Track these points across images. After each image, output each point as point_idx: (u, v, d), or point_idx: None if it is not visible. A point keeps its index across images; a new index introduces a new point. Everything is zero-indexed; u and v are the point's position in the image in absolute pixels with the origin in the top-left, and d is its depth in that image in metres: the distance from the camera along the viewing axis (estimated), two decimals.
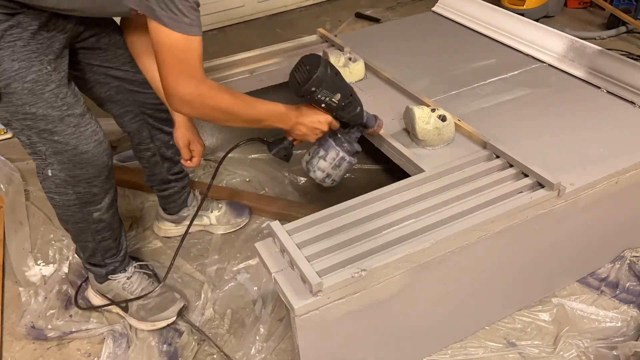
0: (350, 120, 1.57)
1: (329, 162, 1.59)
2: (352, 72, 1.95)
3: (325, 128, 1.52)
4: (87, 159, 1.39)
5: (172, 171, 1.83)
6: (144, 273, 1.71)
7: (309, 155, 1.63)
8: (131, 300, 1.65)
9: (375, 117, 1.65)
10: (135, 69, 1.57)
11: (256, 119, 1.44)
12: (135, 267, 1.69)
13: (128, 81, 1.58)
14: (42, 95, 1.30)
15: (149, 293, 1.65)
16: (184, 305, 1.67)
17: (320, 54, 2.10)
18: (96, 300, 1.71)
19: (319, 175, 1.61)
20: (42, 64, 1.29)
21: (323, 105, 1.48)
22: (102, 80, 1.56)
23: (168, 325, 1.64)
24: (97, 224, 1.52)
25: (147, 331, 1.64)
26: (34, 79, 1.28)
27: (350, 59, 1.87)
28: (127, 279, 1.66)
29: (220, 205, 1.99)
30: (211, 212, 1.97)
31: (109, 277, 1.65)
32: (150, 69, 1.51)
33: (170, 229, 1.96)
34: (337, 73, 1.49)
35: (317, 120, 1.51)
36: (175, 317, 1.65)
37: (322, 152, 1.59)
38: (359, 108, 1.56)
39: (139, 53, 1.53)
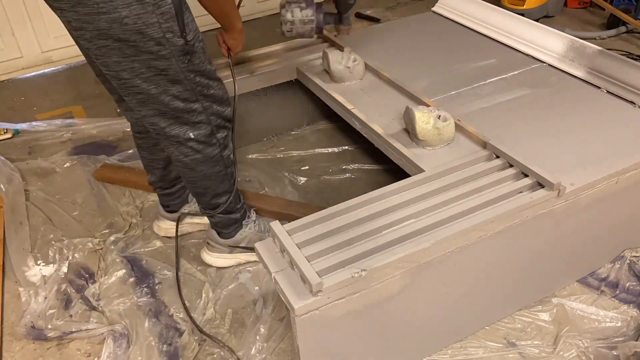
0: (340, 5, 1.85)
1: (302, 14, 1.84)
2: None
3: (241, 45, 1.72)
4: (228, 102, 1.56)
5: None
6: (260, 217, 1.87)
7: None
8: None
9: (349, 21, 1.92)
10: None
11: (231, 12, 1.58)
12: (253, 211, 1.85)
13: None
14: (205, 53, 1.44)
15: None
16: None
17: (321, 53, 2.11)
18: (220, 262, 1.83)
19: (287, 17, 1.84)
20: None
21: None
22: None
23: None
24: (231, 166, 1.64)
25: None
26: (202, 39, 1.42)
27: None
28: (255, 222, 1.81)
29: None
30: None
31: (243, 222, 1.78)
32: None
33: (171, 227, 1.96)
34: None
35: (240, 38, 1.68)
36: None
37: (303, 4, 1.83)
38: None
39: None
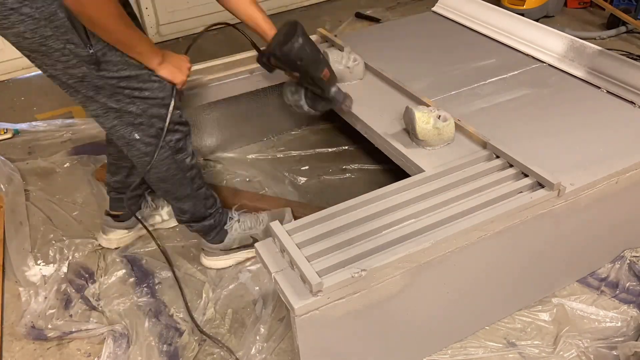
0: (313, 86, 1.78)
1: (292, 99, 1.85)
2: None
3: (186, 73, 1.55)
4: (176, 106, 1.52)
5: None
6: (243, 212, 1.87)
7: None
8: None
9: (345, 96, 1.83)
10: None
11: (128, 43, 1.40)
12: (235, 211, 1.85)
13: None
14: (131, 59, 1.41)
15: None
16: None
17: None
18: (221, 263, 1.83)
19: (286, 98, 1.86)
20: None
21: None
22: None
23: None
24: (191, 170, 1.63)
25: None
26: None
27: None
28: (238, 221, 1.81)
29: (165, 202, 2.00)
30: (162, 209, 2.00)
31: (225, 227, 1.79)
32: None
33: (124, 237, 1.94)
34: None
35: (181, 63, 1.55)
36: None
37: (292, 88, 1.84)
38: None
39: None
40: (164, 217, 2.00)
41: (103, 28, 1.31)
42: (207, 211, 1.74)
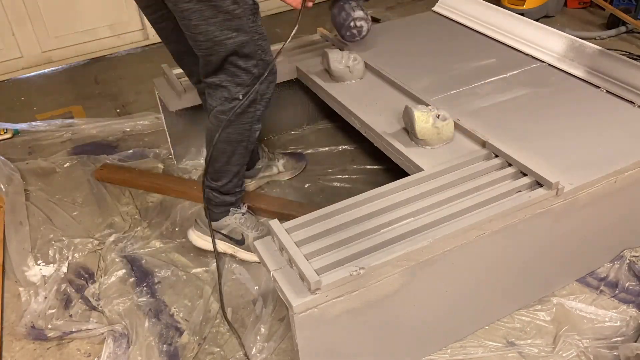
0: None
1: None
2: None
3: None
4: (274, 79, 1.69)
5: None
6: (251, 214, 1.91)
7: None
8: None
9: None
10: None
11: None
12: (244, 208, 1.87)
13: None
14: (259, 16, 1.56)
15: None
16: None
17: (321, 53, 2.11)
18: (200, 242, 1.87)
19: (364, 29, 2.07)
20: None
21: None
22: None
23: None
24: (252, 145, 1.74)
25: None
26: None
27: (438, 116, 1.63)
28: (242, 215, 1.84)
29: (281, 153, 2.22)
30: (278, 161, 2.18)
31: (231, 209, 1.82)
32: None
33: (250, 185, 2.13)
34: None
35: None
36: None
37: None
38: None
39: None
40: (280, 168, 2.15)
41: None
42: (235, 189, 1.79)
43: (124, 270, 1.84)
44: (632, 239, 1.77)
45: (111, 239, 1.97)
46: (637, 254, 1.77)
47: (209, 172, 1.76)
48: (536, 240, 1.51)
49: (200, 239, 1.87)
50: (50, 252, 1.92)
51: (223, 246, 1.85)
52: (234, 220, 1.83)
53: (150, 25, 3.38)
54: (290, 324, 1.23)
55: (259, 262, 1.77)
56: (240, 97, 1.60)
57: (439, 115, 1.61)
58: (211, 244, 1.82)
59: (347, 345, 1.35)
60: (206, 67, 1.60)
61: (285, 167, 2.19)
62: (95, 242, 1.96)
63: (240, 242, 1.84)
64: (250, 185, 2.14)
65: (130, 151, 2.42)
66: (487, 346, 1.55)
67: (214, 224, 1.82)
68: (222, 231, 1.83)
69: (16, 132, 2.59)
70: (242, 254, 1.85)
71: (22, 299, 1.75)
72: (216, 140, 1.64)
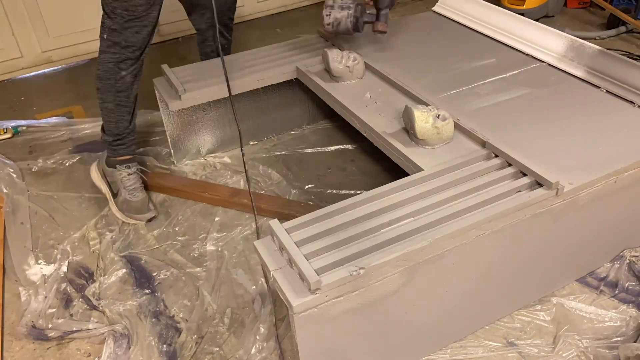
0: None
1: (343, 15, 2.02)
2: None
3: None
4: (139, 28, 1.80)
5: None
6: (141, 177, 2.07)
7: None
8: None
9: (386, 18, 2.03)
10: None
11: None
12: (137, 169, 2.06)
13: None
14: None
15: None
16: (154, 216, 2.04)
17: (320, 53, 2.11)
18: (94, 175, 2.10)
19: (330, 18, 2.04)
20: None
21: None
22: None
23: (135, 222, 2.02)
24: (120, 81, 1.88)
25: (123, 222, 2.04)
26: None
27: (438, 116, 1.63)
28: (128, 174, 2.03)
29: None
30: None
31: (117, 166, 2.02)
32: None
33: None
34: None
35: None
36: (144, 222, 2.03)
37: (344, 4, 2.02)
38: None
39: None
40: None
41: None
42: (116, 134, 1.98)
43: (124, 270, 1.84)
44: (632, 239, 1.77)
45: (110, 238, 1.97)
46: (637, 254, 1.77)
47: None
48: (536, 240, 1.51)
49: (94, 173, 2.10)
50: (51, 252, 1.92)
51: (104, 189, 2.07)
52: (117, 174, 2.02)
53: None
54: (290, 324, 1.23)
55: (125, 222, 2.01)
56: (105, 36, 1.81)
57: (439, 115, 1.61)
58: (98, 182, 2.08)
59: (346, 345, 1.35)
60: None
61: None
62: (96, 241, 1.96)
63: (114, 196, 2.06)
64: None
65: None
66: (487, 346, 1.55)
67: (106, 168, 2.05)
68: (107, 178, 2.06)
69: (16, 132, 2.59)
70: (112, 205, 2.05)
71: (22, 299, 1.75)
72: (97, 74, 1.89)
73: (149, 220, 2.03)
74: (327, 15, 2.03)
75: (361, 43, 2.24)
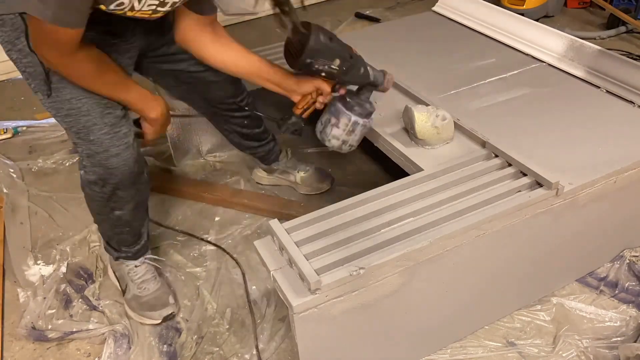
0: (357, 82, 1.52)
1: (342, 129, 1.54)
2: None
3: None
4: (115, 164, 1.42)
5: (254, 141, 2.03)
6: (153, 266, 1.74)
7: (321, 124, 1.58)
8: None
9: (384, 73, 1.55)
10: (201, 68, 1.67)
11: (119, 100, 1.42)
12: (146, 259, 1.73)
13: (195, 81, 1.73)
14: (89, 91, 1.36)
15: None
16: (171, 313, 1.67)
17: None
18: (111, 272, 1.80)
19: (334, 143, 1.57)
20: None
21: (323, 74, 1.44)
22: (173, 83, 1.77)
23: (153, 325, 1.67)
24: (117, 220, 1.59)
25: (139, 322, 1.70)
26: None
27: (438, 116, 1.57)
28: (135, 267, 1.71)
29: (307, 168, 2.14)
30: (298, 172, 2.13)
31: (124, 261, 1.71)
32: (217, 57, 1.52)
33: (263, 177, 2.18)
34: (332, 37, 1.40)
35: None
36: (159, 321, 1.66)
37: (333, 120, 1.54)
38: (362, 68, 1.48)
39: (199, 46, 1.50)
40: (297, 180, 2.13)
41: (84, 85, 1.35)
42: (112, 243, 1.70)
43: None
44: (631, 238, 1.77)
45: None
46: (637, 254, 1.77)
47: None
48: (536, 240, 1.51)
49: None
50: (50, 252, 1.92)
51: (117, 284, 1.77)
52: (125, 268, 1.72)
53: None
54: (290, 324, 1.23)
55: (142, 323, 1.66)
56: (82, 173, 1.51)
57: (438, 115, 1.61)
58: (114, 279, 1.78)
59: (346, 345, 1.35)
60: None
61: (303, 181, 2.12)
62: (95, 241, 1.96)
63: (124, 291, 1.73)
64: (264, 179, 2.18)
65: None
66: (487, 346, 1.55)
67: (112, 261, 1.75)
68: (115, 272, 1.77)
69: (16, 132, 2.59)
70: (125, 305, 1.71)
71: (21, 299, 1.75)
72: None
73: (168, 318, 1.67)
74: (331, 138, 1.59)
75: (361, 43, 2.23)
